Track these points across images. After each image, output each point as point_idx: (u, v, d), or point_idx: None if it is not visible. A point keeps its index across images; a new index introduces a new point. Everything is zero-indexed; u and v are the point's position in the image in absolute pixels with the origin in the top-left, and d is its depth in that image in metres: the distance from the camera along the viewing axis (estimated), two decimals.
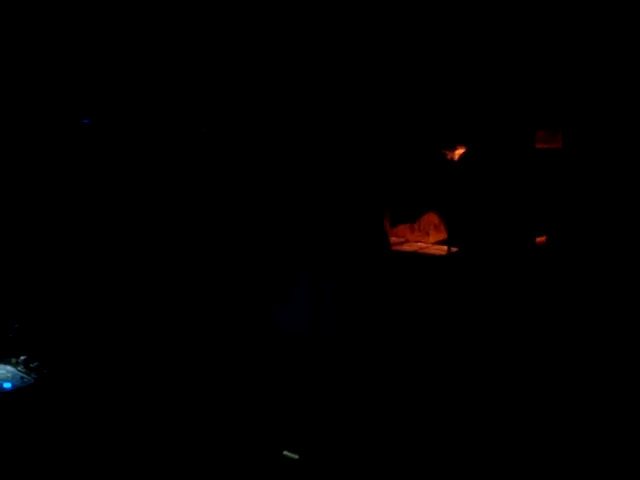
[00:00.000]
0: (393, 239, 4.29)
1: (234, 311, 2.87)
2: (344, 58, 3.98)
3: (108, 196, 3.24)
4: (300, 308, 3.10)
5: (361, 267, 3.34)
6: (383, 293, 3.16)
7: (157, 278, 3.10)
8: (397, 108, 4.19)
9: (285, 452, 2.35)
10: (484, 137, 4.06)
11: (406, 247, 4.12)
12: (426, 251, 4.06)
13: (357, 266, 3.35)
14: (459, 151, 4.32)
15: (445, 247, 4.15)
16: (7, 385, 2.21)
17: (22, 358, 2.36)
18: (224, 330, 2.83)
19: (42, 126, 3.00)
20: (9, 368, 2.37)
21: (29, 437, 2.11)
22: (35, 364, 2.28)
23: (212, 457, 2.26)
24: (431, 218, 4.48)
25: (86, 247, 3.05)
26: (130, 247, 3.15)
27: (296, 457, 2.35)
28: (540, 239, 3.68)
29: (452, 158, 4.37)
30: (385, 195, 4.18)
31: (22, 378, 2.24)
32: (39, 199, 3.08)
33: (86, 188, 3.19)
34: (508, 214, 3.83)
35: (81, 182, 3.19)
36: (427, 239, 4.40)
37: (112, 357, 2.51)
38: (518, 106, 3.90)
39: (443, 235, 4.43)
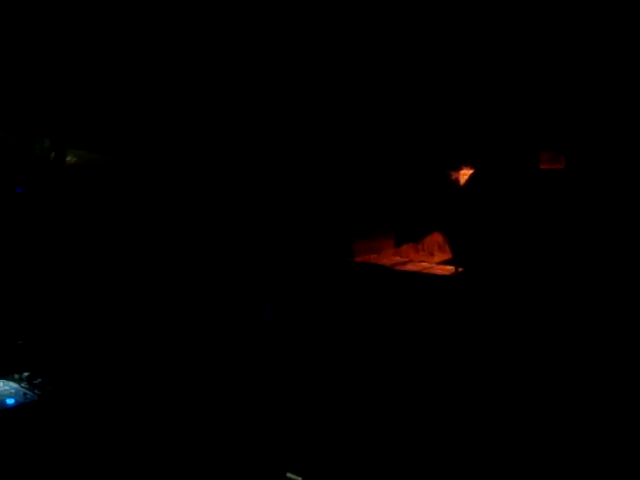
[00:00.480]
0: (397, 259, 4.30)
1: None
2: (347, 76, 4.03)
3: (109, 218, 3.28)
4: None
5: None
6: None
7: (154, 298, 3.14)
8: (402, 128, 4.23)
9: (289, 474, 2.34)
10: (489, 158, 4.09)
11: (410, 267, 4.13)
12: (430, 271, 4.07)
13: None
14: (463, 171, 4.34)
15: (450, 267, 4.16)
16: (10, 401, 2.22)
17: (25, 374, 2.37)
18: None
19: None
20: (12, 384, 2.38)
21: (31, 453, 2.12)
22: (38, 380, 2.30)
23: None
24: (435, 238, 4.50)
25: (89, 265, 3.09)
26: (131, 266, 3.19)
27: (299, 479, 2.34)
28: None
29: (456, 178, 4.40)
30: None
31: (25, 394, 2.26)
32: (41, 211, 3.11)
33: (90, 209, 3.24)
34: (513, 234, 3.84)
35: (83, 202, 3.23)
36: (431, 259, 4.42)
37: (114, 376, 2.52)
38: (522, 128, 3.93)
39: (447, 255, 4.44)
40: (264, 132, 3.78)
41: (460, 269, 4.09)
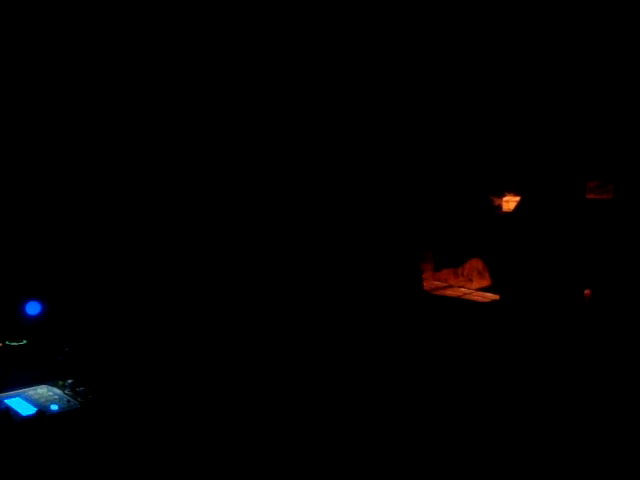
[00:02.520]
0: (436, 283, 4.25)
1: None
2: (394, 102, 4.04)
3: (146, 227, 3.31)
4: None
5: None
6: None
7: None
8: (448, 155, 4.21)
9: None
10: (535, 185, 4.03)
11: (449, 292, 4.07)
12: (469, 297, 4.01)
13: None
14: (507, 198, 4.30)
15: (489, 294, 4.10)
16: (54, 407, 2.23)
17: (69, 382, 2.38)
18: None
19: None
20: (56, 390, 2.39)
21: (71, 460, 2.12)
22: (81, 389, 2.30)
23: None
24: (475, 264, 4.44)
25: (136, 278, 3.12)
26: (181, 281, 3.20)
27: None
28: (586, 291, 3.60)
29: (499, 205, 4.35)
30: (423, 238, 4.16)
31: (68, 401, 2.27)
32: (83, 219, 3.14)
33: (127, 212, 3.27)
34: (557, 264, 3.76)
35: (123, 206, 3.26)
36: (470, 285, 4.36)
37: (155, 390, 2.52)
38: (570, 157, 3.88)
39: (487, 282, 4.37)
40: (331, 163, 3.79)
41: (497, 297, 4.03)
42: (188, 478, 2.16)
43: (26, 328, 2.65)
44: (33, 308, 2.70)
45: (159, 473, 2.14)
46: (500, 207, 4.35)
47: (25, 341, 2.63)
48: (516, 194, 4.22)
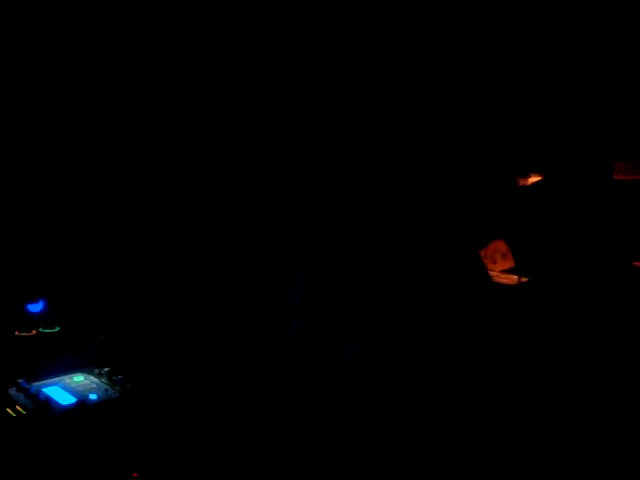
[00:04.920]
0: None
1: None
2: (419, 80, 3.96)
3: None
4: None
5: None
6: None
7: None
8: (471, 134, 4.14)
9: None
10: (560, 165, 3.97)
11: None
12: (496, 279, 3.96)
13: None
14: (532, 179, 4.23)
15: (514, 276, 4.06)
16: (93, 396, 2.22)
17: (105, 370, 2.37)
18: None
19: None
20: (93, 378, 2.38)
21: (111, 451, 2.11)
22: (119, 377, 2.28)
23: None
24: (498, 245, 4.39)
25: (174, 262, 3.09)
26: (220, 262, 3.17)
27: None
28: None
29: (524, 185, 4.29)
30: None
31: (106, 390, 2.25)
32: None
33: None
34: (585, 247, 3.72)
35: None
36: (494, 266, 4.32)
37: (194, 378, 2.50)
38: (598, 136, 3.81)
39: (510, 263, 4.33)
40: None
41: (524, 279, 3.99)
42: (231, 467, 2.15)
43: (58, 314, 2.64)
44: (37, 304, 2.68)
45: (201, 462, 2.13)
46: (525, 188, 4.29)
47: (58, 328, 2.62)
48: (542, 174, 4.15)
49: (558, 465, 2.43)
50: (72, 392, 2.26)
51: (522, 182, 4.29)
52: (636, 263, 3.58)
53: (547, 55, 3.82)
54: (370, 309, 2.61)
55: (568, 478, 2.40)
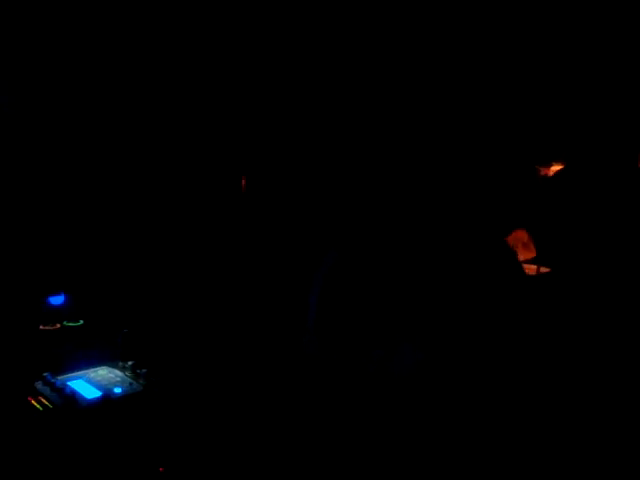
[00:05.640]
0: None
1: None
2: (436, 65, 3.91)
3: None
4: None
5: None
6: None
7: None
8: (493, 123, 4.09)
9: None
10: (583, 154, 3.91)
11: None
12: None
13: None
14: (554, 167, 4.17)
15: (534, 266, 4.01)
16: (118, 390, 2.23)
17: (130, 363, 2.38)
18: None
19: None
20: (117, 372, 2.39)
21: (136, 445, 2.12)
22: (143, 371, 2.29)
23: None
24: (520, 235, 4.34)
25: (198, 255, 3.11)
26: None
27: None
28: None
29: (546, 174, 4.23)
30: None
31: (131, 384, 2.26)
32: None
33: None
34: (605, 236, 3.67)
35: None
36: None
37: (218, 372, 2.50)
38: (622, 123, 3.75)
39: (532, 254, 4.28)
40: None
41: (544, 269, 3.94)
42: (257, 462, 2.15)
43: (82, 308, 2.67)
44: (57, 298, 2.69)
45: (225, 457, 2.14)
46: (547, 177, 4.23)
47: (82, 321, 2.64)
48: (564, 163, 4.09)
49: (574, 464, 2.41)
50: (97, 386, 2.27)
51: (544, 171, 4.24)
52: None
53: (571, 41, 3.76)
54: (393, 311, 2.51)
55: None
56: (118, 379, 2.33)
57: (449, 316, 2.49)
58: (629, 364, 3.00)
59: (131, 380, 2.30)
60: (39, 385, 2.25)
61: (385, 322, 2.43)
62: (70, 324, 2.65)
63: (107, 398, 2.16)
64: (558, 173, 4.09)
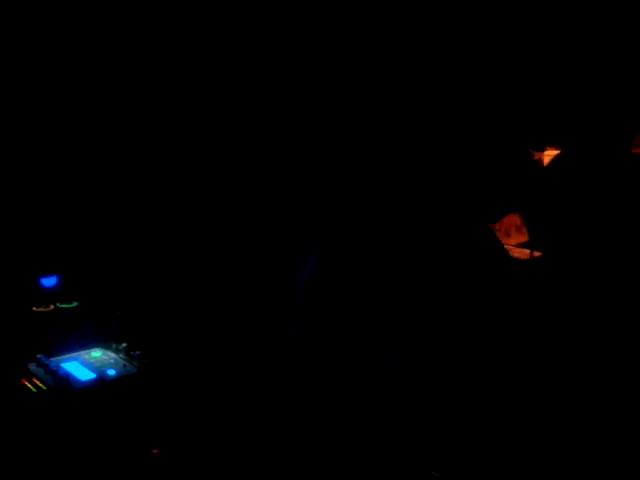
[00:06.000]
0: None
1: None
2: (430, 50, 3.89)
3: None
4: None
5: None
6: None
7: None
8: (485, 106, 4.08)
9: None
10: (577, 138, 3.92)
11: None
12: (510, 254, 3.94)
13: None
14: (548, 152, 4.18)
15: (527, 250, 4.03)
16: (111, 372, 2.24)
17: (123, 345, 2.39)
18: None
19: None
20: (111, 354, 2.41)
21: (130, 427, 2.14)
22: (137, 353, 2.31)
23: None
24: (513, 219, 4.35)
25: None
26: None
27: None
28: None
29: (540, 159, 4.24)
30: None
31: (124, 366, 2.28)
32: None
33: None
34: (599, 220, 3.69)
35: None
36: (508, 240, 4.29)
37: (214, 356, 2.52)
38: (616, 108, 3.75)
39: (525, 237, 4.30)
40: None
41: (537, 253, 3.96)
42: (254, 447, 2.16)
43: (75, 290, 2.66)
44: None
45: (219, 440, 2.16)
46: (541, 161, 4.24)
47: (76, 303, 2.64)
48: (558, 148, 4.10)
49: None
50: (91, 367, 2.28)
51: (537, 155, 4.24)
52: None
53: (563, 26, 3.74)
54: (379, 305, 2.48)
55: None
56: (112, 361, 2.34)
57: (435, 312, 2.48)
58: (621, 350, 3.03)
59: (125, 362, 2.31)
60: (33, 367, 2.27)
61: (371, 317, 2.42)
62: (63, 306, 2.65)
63: (101, 380, 2.18)
64: (553, 159, 4.10)
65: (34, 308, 2.62)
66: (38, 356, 2.30)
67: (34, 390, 2.14)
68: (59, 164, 3.03)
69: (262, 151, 3.53)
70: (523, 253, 3.98)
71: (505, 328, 2.78)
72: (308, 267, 2.52)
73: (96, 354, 2.40)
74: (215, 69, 3.43)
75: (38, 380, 2.18)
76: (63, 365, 2.29)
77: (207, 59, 3.41)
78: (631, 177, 3.69)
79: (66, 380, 2.15)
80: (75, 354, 2.41)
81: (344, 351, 2.38)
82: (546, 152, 4.19)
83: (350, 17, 3.55)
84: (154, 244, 3.06)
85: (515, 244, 4.26)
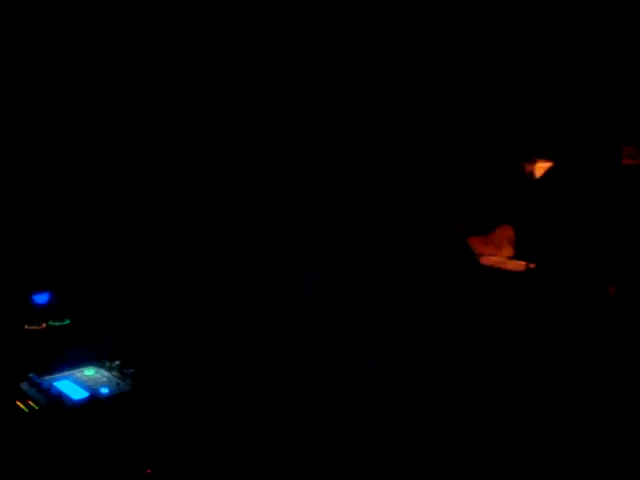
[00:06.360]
0: None
1: None
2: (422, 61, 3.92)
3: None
4: None
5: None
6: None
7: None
8: (476, 118, 4.11)
9: None
10: (568, 151, 3.95)
11: (482, 261, 4.02)
12: (503, 266, 3.95)
13: None
14: (539, 164, 4.21)
15: (523, 263, 4.04)
16: (105, 390, 2.22)
17: (116, 363, 2.37)
18: None
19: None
20: (104, 372, 2.39)
21: (124, 445, 2.12)
22: (130, 371, 2.29)
23: None
24: (505, 231, 4.37)
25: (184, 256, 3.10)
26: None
27: None
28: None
29: (531, 171, 4.26)
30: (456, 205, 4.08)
31: (118, 384, 2.26)
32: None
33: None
34: (592, 231, 3.71)
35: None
36: (500, 253, 4.30)
37: (206, 372, 2.50)
38: (605, 120, 3.78)
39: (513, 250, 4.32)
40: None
41: (531, 265, 3.97)
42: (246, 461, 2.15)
43: (68, 307, 2.65)
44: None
45: (212, 458, 2.14)
46: (532, 173, 4.26)
47: (68, 321, 2.62)
48: (548, 160, 4.13)
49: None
50: (84, 386, 2.26)
51: (528, 167, 4.27)
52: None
53: (553, 37, 3.78)
54: (365, 323, 2.57)
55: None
56: (105, 379, 2.32)
57: (416, 321, 2.56)
58: (611, 357, 3.04)
59: (118, 380, 2.29)
60: (25, 386, 2.24)
61: (358, 333, 2.53)
62: (56, 323, 2.63)
63: (94, 398, 2.16)
64: (545, 171, 4.12)
65: (26, 326, 2.60)
66: (30, 375, 2.27)
67: (26, 410, 2.11)
68: (51, 179, 3.02)
69: (251, 160, 3.53)
70: (518, 265, 4.00)
71: (490, 334, 2.81)
72: (308, 286, 2.58)
73: (89, 372, 2.38)
74: (213, 72, 3.43)
75: (30, 400, 2.16)
76: (56, 384, 2.26)
77: (207, 60, 3.41)
78: (622, 187, 3.72)
79: (59, 399, 2.13)
80: (68, 373, 2.38)
81: (335, 363, 2.45)
82: (537, 164, 4.22)
83: (340, 22, 3.57)
84: (146, 262, 3.05)
85: (507, 256, 4.27)
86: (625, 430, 2.56)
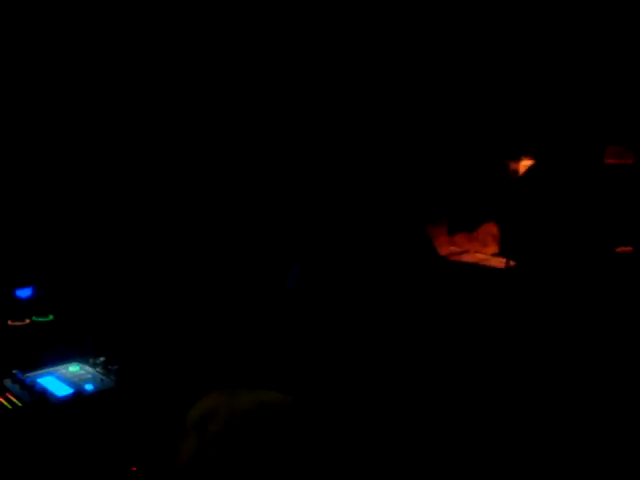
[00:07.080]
0: (452, 248, 4.23)
1: None
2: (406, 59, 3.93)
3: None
4: None
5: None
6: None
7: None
8: (462, 115, 4.13)
9: None
10: (551, 149, 3.98)
11: (466, 258, 4.05)
12: (487, 263, 3.99)
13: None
14: (524, 162, 4.24)
15: (504, 260, 4.08)
16: (89, 387, 2.22)
17: (101, 359, 2.36)
18: None
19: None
20: (88, 368, 2.38)
21: (108, 441, 2.11)
22: (114, 367, 2.28)
23: None
24: (490, 228, 4.40)
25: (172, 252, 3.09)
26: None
27: None
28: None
29: (515, 169, 4.29)
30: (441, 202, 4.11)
31: (102, 380, 2.25)
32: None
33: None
34: (574, 230, 3.75)
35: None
36: (485, 250, 4.34)
37: (192, 369, 2.50)
38: (590, 119, 3.82)
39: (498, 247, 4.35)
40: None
41: (512, 262, 4.01)
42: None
43: (52, 303, 2.63)
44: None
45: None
46: (517, 171, 4.29)
47: (52, 317, 2.61)
48: (533, 158, 4.16)
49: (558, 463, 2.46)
50: (68, 382, 2.25)
51: (513, 165, 4.30)
52: (622, 248, 3.61)
53: (538, 36, 3.80)
54: (345, 314, 2.63)
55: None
56: (89, 376, 2.31)
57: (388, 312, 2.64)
58: (593, 355, 3.08)
59: (102, 376, 2.28)
60: (8, 383, 2.22)
61: (339, 324, 2.59)
62: (39, 319, 2.62)
63: (78, 395, 2.15)
64: (528, 169, 4.16)
65: (9, 322, 2.58)
66: (14, 372, 2.26)
67: (9, 407, 2.10)
68: (35, 171, 2.99)
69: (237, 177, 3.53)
70: (501, 262, 4.03)
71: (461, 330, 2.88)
72: (292, 281, 2.61)
73: (73, 369, 2.37)
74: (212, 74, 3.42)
75: (14, 396, 2.15)
76: (39, 380, 2.25)
77: (207, 60, 3.40)
78: (605, 187, 3.76)
79: (43, 396, 2.12)
80: (52, 369, 2.37)
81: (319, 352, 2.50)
82: (522, 162, 4.25)
83: (336, 25, 3.57)
84: (132, 257, 3.04)
85: (492, 253, 4.31)
86: (617, 428, 2.59)
